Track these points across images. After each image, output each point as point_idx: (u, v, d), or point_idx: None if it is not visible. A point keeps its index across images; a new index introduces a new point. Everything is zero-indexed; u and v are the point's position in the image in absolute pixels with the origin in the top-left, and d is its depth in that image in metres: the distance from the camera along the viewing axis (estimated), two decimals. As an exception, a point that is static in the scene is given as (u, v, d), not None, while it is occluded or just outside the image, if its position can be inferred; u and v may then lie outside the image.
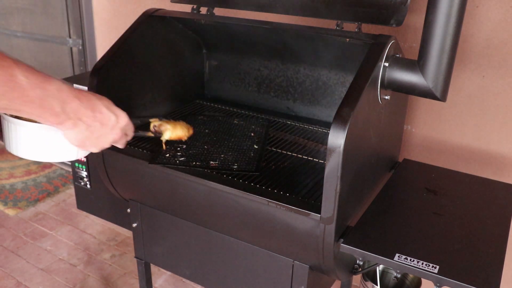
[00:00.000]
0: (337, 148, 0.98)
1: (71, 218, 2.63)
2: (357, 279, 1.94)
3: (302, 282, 1.23)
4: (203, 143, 1.39)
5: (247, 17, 1.44)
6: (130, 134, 1.00)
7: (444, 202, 1.28)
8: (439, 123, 1.67)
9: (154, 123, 1.21)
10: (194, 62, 1.76)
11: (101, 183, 1.54)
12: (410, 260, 1.03)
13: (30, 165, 3.13)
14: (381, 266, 1.47)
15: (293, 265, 1.23)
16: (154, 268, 2.07)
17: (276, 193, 1.15)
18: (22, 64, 0.74)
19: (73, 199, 2.73)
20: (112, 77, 1.39)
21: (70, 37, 2.73)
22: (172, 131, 1.20)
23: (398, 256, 1.04)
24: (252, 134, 1.49)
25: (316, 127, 1.58)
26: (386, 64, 1.14)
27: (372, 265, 1.32)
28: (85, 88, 1.37)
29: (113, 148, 1.36)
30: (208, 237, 1.38)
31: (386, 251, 1.06)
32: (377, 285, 1.40)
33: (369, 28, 1.62)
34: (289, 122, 1.62)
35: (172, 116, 1.62)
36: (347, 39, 1.23)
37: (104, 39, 2.58)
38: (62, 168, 3.12)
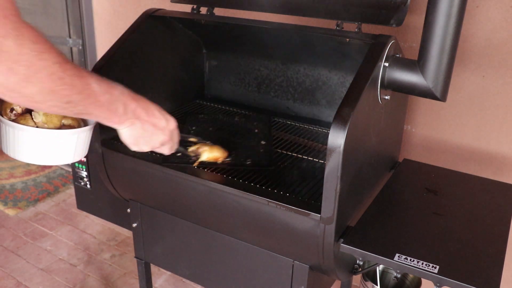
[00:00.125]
0: (337, 148, 0.98)
1: (71, 218, 2.63)
2: (357, 279, 1.94)
3: (302, 282, 1.23)
4: (210, 141, 1.40)
5: (247, 17, 1.44)
6: (176, 141, 1.07)
7: (444, 202, 1.28)
8: (439, 123, 1.67)
9: (195, 147, 1.28)
10: (194, 62, 1.76)
11: (101, 183, 1.54)
12: (410, 260, 1.03)
13: (30, 165, 3.13)
14: (381, 266, 1.47)
15: (293, 265, 1.23)
16: (154, 268, 2.07)
17: (276, 193, 1.15)
18: (93, 74, 0.83)
19: (73, 199, 2.73)
20: (112, 77, 1.38)
21: (70, 37, 2.73)
22: (210, 153, 1.27)
23: (398, 256, 1.04)
24: (256, 130, 1.51)
25: (316, 127, 1.58)
26: (386, 64, 1.14)
27: (372, 265, 1.32)
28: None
29: (113, 148, 1.37)
30: (208, 237, 1.38)
31: (386, 251, 1.06)
32: (377, 285, 1.40)
33: (369, 28, 1.62)
34: (289, 122, 1.62)
35: (172, 116, 1.62)
36: (347, 39, 1.22)
37: (104, 39, 2.58)
38: (62, 168, 3.12)
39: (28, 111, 0.95)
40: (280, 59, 1.63)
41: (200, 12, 1.51)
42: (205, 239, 1.39)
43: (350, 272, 1.31)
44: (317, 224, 1.07)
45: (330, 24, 1.37)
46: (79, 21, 2.61)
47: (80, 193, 1.85)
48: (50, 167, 3.12)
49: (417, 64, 1.12)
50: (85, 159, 1.71)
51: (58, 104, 0.77)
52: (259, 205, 1.15)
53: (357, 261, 1.23)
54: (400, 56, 1.20)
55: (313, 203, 1.10)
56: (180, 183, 1.29)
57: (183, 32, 1.65)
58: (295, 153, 1.39)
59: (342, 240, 1.10)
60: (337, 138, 0.98)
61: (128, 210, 1.53)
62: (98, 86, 0.83)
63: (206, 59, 1.78)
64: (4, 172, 3.04)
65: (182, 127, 1.47)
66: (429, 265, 1.01)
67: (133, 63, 1.47)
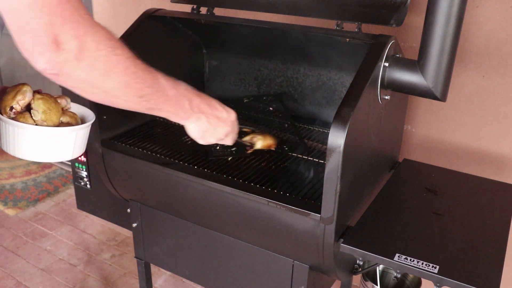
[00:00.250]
0: (337, 148, 0.98)
1: (71, 218, 2.63)
2: (357, 279, 1.94)
3: (302, 282, 1.23)
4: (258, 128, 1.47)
5: (247, 17, 1.44)
6: (236, 131, 1.11)
7: (444, 202, 1.28)
8: (439, 123, 1.67)
9: (248, 137, 1.34)
10: (194, 62, 1.76)
11: (101, 183, 1.54)
12: (410, 260, 1.03)
13: (30, 165, 3.13)
14: (381, 266, 1.47)
15: (293, 265, 1.23)
16: (154, 268, 2.07)
17: (276, 193, 1.15)
18: (158, 71, 0.86)
19: (73, 199, 2.73)
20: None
21: (70, 37, 2.72)
22: (263, 141, 1.32)
23: (398, 256, 1.04)
24: (271, 108, 1.54)
25: (316, 127, 1.58)
26: (386, 64, 1.14)
27: (372, 265, 1.32)
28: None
29: (113, 148, 1.37)
30: (208, 237, 1.38)
31: (386, 251, 1.06)
32: (377, 285, 1.40)
33: (369, 28, 1.62)
34: (289, 122, 1.62)
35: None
36: (347, 39, 1.22)
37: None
38: (62, 168, 3.12)
39: (27, 110, 0.96)
40: (280, 59, 1.63)
41: (200, 12, 1.51)
42: (205, 239, 1.39)
43: (350, 272, 1.31)
44: (317, 224, 1.07)
45: (330, 24, 1.37)
46: (79, 21, 2.60)
47: (80, 193, 1.86)
48: (50, 166, 3.12)
49: (417, 64, 1.12)
50: (85, 159, 1.71)
51: (133, 99, 0.82)
52: (259, 205, 1.15)
53: (357, 261, 1.23)
54: (400, 56, 1.20)
55: (313, 203, 1.10)
56: (180, 183, 1.29)
57: (183, 32, 1.65)
58: (295, 153, 1.39)
59: (342, 240, 1.10)
60: (337, 138, 0.98)
61: (128, 210, 1.53)
62: (165, 81, 0.87)
63: (206, 59, 1.78)
64: (4, 172, 3.04)
65: None
66: (429, 265, 1.01)
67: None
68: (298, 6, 1.35)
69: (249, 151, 1.31)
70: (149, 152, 1.35)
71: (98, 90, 0.76)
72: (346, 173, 1.03)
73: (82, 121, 1.06)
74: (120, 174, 1.44)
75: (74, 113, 1.04)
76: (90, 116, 1.08)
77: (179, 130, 1.53)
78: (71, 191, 2.87)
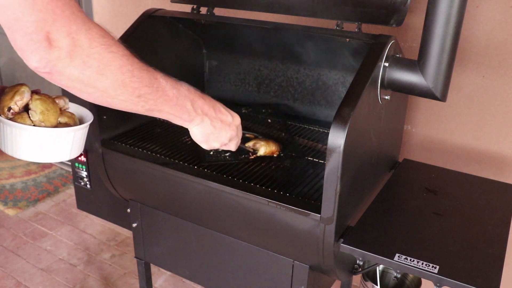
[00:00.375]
0: (337, 148, 0.98)
1: (71, 218, 2.63)
2: (357, 279, 1.94)
3: (302, 282, 1.23)
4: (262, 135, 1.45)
5: (247, 17, 1.44)
6: (240, 136, 1.09)
7: (444, 202, 1.28)
8: (439, 123, 1.67)
9: (250, 143, 1.33)
10: (194, 62, 1.76)
11: (101, 183, 1.54)
12: (410, 260, 1.03)
13: (30, 165, 3.13)
14: (381, 266, 1.47)
15: (293, 265, 1.23)
16: (154, 268, 2.07)
17: (276, 193, 1.15)
18: (157, 70, 0.84)
19: (73, 199, 2.73)
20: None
21: (70, 37, 2.73)
22: (267, 147, 1.31)
23: (398, 256, 1.04)
24: (269, 120, 1.55)
25: (316, 127, 1.58)
26: (386, 64, 1.14)
27: (372, 265, 1.32)
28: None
29: (113, 148, 1.37)
30: (208, 237, 1.38)
31: (386, 251, 1.06)
32: (377, 285, 1.40)
33: (369, 28, 1.62)
34: (289, 122, 1.62)
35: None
36: (347, 39, 1.22)
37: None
38: (62, 168, 3.12)
39: (25, 110, 0.96)
40: (280, 59, 1.63)
41: (200, 12, 1.51)
42: (205, 239, 1.39)
43: (350, 272, 1.31)
44: (317, 224, 1.07)
45: (330, 24, 1.37)
46: (79, 21, 2.61)
47: (80, 193, 1.86)
48: (50, 167, 3.12)
49: (417, 64, 1.12)
50: (85, 159, 1.71)
51: (130, 99, 0.79)
52: (259, 205, 1.15)
53: (357, 261, 1.23)
54: (400, 56, 1.20)
55: (313, 203, 1.10)
56: (180, 183, 1.29)
57: (183, 32, 1.65)
58: (295, 151, 1.39)
59: (342, 240, 1.10)
60: (337, 138, 0.98)
61: (128, 210, 1.53)
62: (165, 81, 0.84)
63: (206, 59, 1.78)
64: (4, 172, 3.04)
65: None
66: (429, 265, 1.01)
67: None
68: (298, 6, 1.35)
69: (252, 157, 1.30)
70: (149, 152, 1.35)
71: (93, 90, 0.74)
72: (346, 173, 1.03)
73: (81, 121, 1.06)
74: (120, 174, 1.44)
75: (72, 114, 1.04)
76: (89, 116, 1.08)
77: (179, 130, 1.53)
78: (71, 191, 2.87)
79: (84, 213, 2.45)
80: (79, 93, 0.74)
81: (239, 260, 1.35)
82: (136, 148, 1.37)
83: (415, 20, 1.57)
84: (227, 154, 1.31)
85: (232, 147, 1.08)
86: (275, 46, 1.56)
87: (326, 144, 1.01)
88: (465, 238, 1.13)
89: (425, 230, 1.15)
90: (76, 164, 1.87)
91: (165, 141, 1.43)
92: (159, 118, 1.59)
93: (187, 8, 1.53)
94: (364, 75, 1.07)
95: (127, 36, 1.42)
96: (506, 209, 1.26)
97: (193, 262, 1.47)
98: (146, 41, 1.49)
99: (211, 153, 1.32)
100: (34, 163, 3.14)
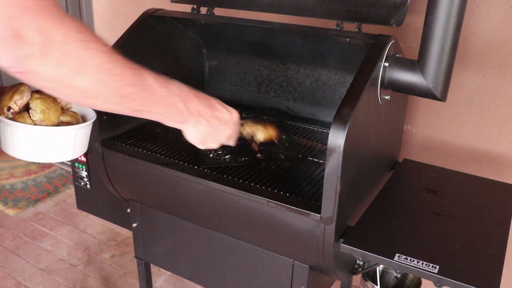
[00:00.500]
0: (337, 148, 0.98)
1: (71, 218, 2.63)
2: (357, 279, 1.94)
3: (302, 282, 1.23)
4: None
5: (247, 17, 1.44)
6: (238, 131, 1.03)
7: (444, 202, 1.28)
8: (439, 123, 1.67)
9: (248, 128, 1.24)
10: (194, 62, 1.76)
11: (101, 183, 1.54)
12: (410, 260, 1.03)
13: (30, 165, 3.13)
14: (381, 266, 1.47)
15: (293, 265, 1.23)
16: (154, 268, 2.07)
17: (276, 193, 1.15)
18: (145, 68, 0.78)
19: (73, 199, 2.73)
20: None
21: (70, 37, 2.73)
22: (265, 132, 1.23)
23: (398, 256, 1.04)
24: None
25: (316, 127, 1.58)
26: (386, 64, 1.14)
27: (372, 265, 1.32)
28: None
29: (113, 148, 1.37)
30: (208, 237, 1.38)
31: (386, 251, 1.06)
32: (377, 285, 1.40)
33: (369, 28, 1.62)
34: (289, 122, 1.62)
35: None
36: (347, 39, 1.22)
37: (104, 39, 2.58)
38: (62, 168, 3.12)
39: (26, 110, 0.95)
40: (280, 59, 1.63)
41: (200, 12, 1.51)
42: (205, 239, 1.39)
43: (350, 272, 1.31)
44: (317, 224, 1.07)
45: (330, 24, 1.37)
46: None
47: (80, 193, 1.85)
48: (50, 166, 3.12)
49: (417, 64, 1.12)
50: (85, 159, 1.71)
51: (113, 99, 0.73)
52: (259, 205, 1.15)
53: (357, 261, 1.23)
54: (400, 56, 1.20)
55: (313, 203, 1.10)
56: (180, 183, 1.29)
57: (183, 32, 1.65)
58: (295, 153, 1.39)
59: (342, 240, 1.10)
60: (337, 138, 0.98)
61: (128, 210, 1.53)
62: (153, 79, 0.78)
63: (206, 59, 1.78)
64: (4, 172, 3.04)
65: None
66: (429, 265, 1.01)
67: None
68: (298, 6, 1.35)
69: (254, 147, 1.22)
70: (149, 152, 1.35)
71: (71, 90, 0.68)
72: (346, 173, 1.03)
73: (84, 120, 1.06)
74: (120, 174, 1.44)
75: (74, 112, 1.03)
76: (91, 114, 1.07)
77: (179, 130, 1.53)
78: (71, 191, 2.87)
79: (84, 213, 2.44)
80: (57, 93, 0.70)
81: (239, 260, 1.35)
82: (136, 148, 1.37)
83: (415, 20, 1.57)
84: (227, 157, 1.31)
85: (231, 143, 1.03)
86: (275, 46, 1.56)
87: (326, 144, 1.01)
88: (465, 238, 1.13)
89: (425, 230, 1.15)
90: (76, 164, 1.87)
91: (165, 141, 1.43)
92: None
93: (187, 8, 1.53)
94: (364, 75, 1.07)
95: (127, 36, 1.42)
96: (506, 209, 1.26)
97: (193, 262, 1.47)
98: (146, 41, 1.49)
99: (211, 155, 1.31)
100: (34, 163, 3.14)
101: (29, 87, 0.96)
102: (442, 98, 1.15)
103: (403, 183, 1.41)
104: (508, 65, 1.49)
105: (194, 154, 1.34)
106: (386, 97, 1.18)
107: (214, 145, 0.97)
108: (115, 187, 1.49)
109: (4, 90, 0.96)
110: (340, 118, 0.99)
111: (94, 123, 1.08)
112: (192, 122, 0.89)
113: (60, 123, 0.98)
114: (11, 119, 0.92)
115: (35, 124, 0.93)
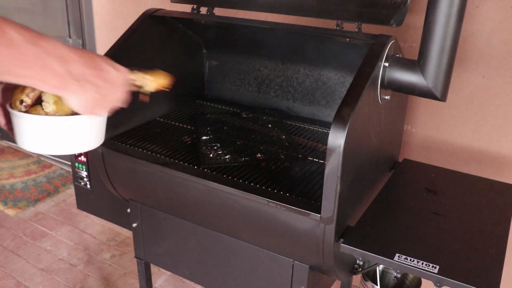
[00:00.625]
0: (337, 148, 0.98)
1: (71, 218, 2.63)
2: (357, 279, 1.94)
3: (302, 282, 1.23)
4: (233, 138, 1.44)
5: (247, 17, 1.44)
6: (129, 91, 0.91)
7: (444, 202, 1.28)
8: (439, 123, 1.67)
9: (136, 79, 1.04)
10: (194, 62, 1.76)
11: (101, 183, 1.54)
12: (410, 260, 1.03)
13: (30, 165, 3.13)
14: (381, 266, 1.47)
15: (293, 265, 1.23)
16: (154, 268, 2.07)
17: (276, 193, 1.15)
18: (11, 20, 0.64)
19: (73, 199, 2.73)
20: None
21: (70, 37, 2.73)
22: (155, 81, 1.06)
23: (398, 256, 1.04)
24: (270, 125, 1.54)
25: (316, 127, 1.58)
26: (386, 64, 1.14)
27: (372, 265, 1.32)
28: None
29: (113, 148, 1.37)
30: (208, 237, 1.38)
31: (386, 251, 1.06)
32: (377, 285, 1.40)
33: (369, 28, 1.62)
34: (289, 122, 1.62)
35: (173, 116, 1.62)
36: (347, 39, 1.23)
37: (104, 39, 2.58)
38: (62, 168, 3.12)
39: (38, 102, 0.94)
40: (280, 59, 1.63)
41: (200, 12, 1.51)
42: (205, 239, 1.39)
43: (350, 272, 1.30)
44: (317, 224, 1.07)
45: (330, 24, 1.37)
46: (79, 21, 2.61)
47: (80, 193, 1.85)
48: (50, 166, 3.12)
49: (417, 64, 1.12)
50: (85, 159, 1.71)
51: None
52: (259, 205, 1.15)
53: (357, 261, 1.23)
54: (400, 56, 1.20)
55: (313, 203, 1.10)
56: (180, 183, 1.29)
57: (183, 32, 1.65)
58: (295, 153, 1.39)
59: (342, 240, 1.10)
60: (337, 138, 0.98)
61: (128, 210, 1.53)
62: (19, 35, 0.64)
63: (206, 59, 1.78)
64: (4, 172, 3.04)
65: (198, 129, 1.51)
66: (429, 265, 1.01)
67: (133, 63, 1.46)
68: (298, 6, 1.35)
69: (143, 98, 1.07)
70: (149, 152, 1.35)
71: None
72: (346, 173, 1.03)
73: None
74: (120, 174, 1.44)
75: None
76: None
77: (179, 130, 1.53)
78: (71, 191, 2.87)
79: (84, 213, 2.44)
80: None
81: (239, 260, 1.35)
82: (136, 148, 1.37)
83: (415, 20, 1.57)
84: (227, 157, 1.31)
85: (123, 106, 0.90)
86: (275, 46, 1.56)
87: (326, 144, 1.01)
88: (465, 238, 1.13)
89: (425, 230, 1.15)
90: (76, 164, 1.87)
91: (165, 141, 1.43)
92: (159, 118, 1.60)
93: (187, 8, 1.53)
94: (364, 75, 1.07)
95: (127, 36, 1.42)
96: (506, 209, 1.26)
97: (193, 262, 1.47)
98: (146, 41, 1.49)
99: (211, 155, 1.32)
100: (34, 163, 3.14)
101: None
102: (442, 98, 1.15)
103: (403, 183, 1.41)
104: (508, 65, 1.49)
105: (194, 154, 1.34)
106: (386, 97, 1.18)
107: (103, 112, 0.85)
108: (115, 187, 1.49)
109: (14, 84, 0.94)
110: (340, 118, 0.99)
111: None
112: (74, 87, 0.74)
113: (74, 113, 0.96)
114: (24, 112, 0.91)
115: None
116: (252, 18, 1.43)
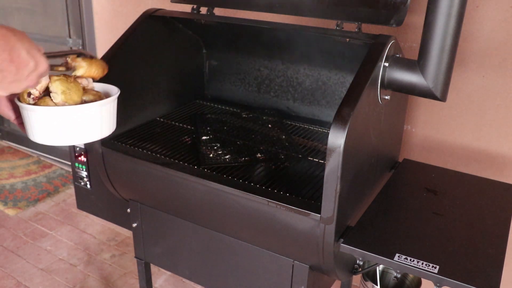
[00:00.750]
0: (337, 148, 0.98)
1: (71, 218, 2.63)
2: (357, 279, 1.94)
3: (302, 282, 1.23)
4: (233, 138, 1.44)
5: (247, 17, 1.44)
6: (45, 80, 0.89)
7: (444, 202, 1.28)
8: (439, 123, 1.67)
9: (69, 57, 1.01)
10: (194, 62, 1.76)
11: (101, 183, 1.54)
12: (410, 260, 1.03)
13: (30, 165, 3.13)
14: (381, 266, 1.47)
15: (293, 265, 1.23)
16: (154, 268, 2.07)
17: (276, 193, 1.15)
18: None
19: (73, 199, 2.73)
20: (112, 78, 1.39)
21: (70, 37, 2.73)
22: (87, 69, 1.00)
23: (398, 256, 1.04)
24: (270, 125, 1.54)
25: (316, 127, 1.58)
26: (386, 64, 1.14)
27: (372, 265, 1.32)
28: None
29: (113, 148, 1.37)
30: (208, 237, 1.38)
31: (386, 251, 1.06)
32: (377, 285, 1.40)
33: (369, 28, 1.62)
34: (289, 122, 1.62)
35: (173, 116, 1.62)
36: (347, 39, 1.22)
37: (104, 39, 2.58)
38: (62, 168, 3.12)
39: (46, 94, 0.93)
40: (280, 59, 1.63)
41: (200, 12, 1.51)
42: (205, 239, 1.39)
43: (350, 272, 1.30)
44: (317, 224, 1.07)
45: (330, 24, 1.37)
46: (79, 21, 2.61)
47: (80, 193, 1.85)
48: (50, 166, 3.12)
49: (417, 64, 1.12)
50: (85, 159, 1.71)
51: None
52: (259, 205, 1.15)
53: (357, 261, 1.23)
54: (400, 56, 1.20)
55: (313, 203, 1.10)
56: (180, 183, 1.29)
57: (183, 32, 1.65)
58: (295, 153, 1.39)
59: (342, 240, 1.10)
60: (337, 138, 0.98)
61: (128, 210, 1.53)
62: None
63: (206, 59, 1.78)
64: (4, 172, 3.04)
65: (198, 129, 1.51)
66: (429, 265, 1.01)
67: (133, 63, 1.47)
68: (298, 6, 1.35)
69: (74, 78, 0.99)
70: (149, 152, 1.35)
71: None
72: (346, 173, 1.03)
73: (107, 97, 1.01)
74: (120, 174, 1.44)
75: (97, 91, 0.99)
76: (114, 91, 1.02)
77: (179, 130, 1.53)
78: (71, 191, 2.87)
79: (84, 213, 2.44)
80: None
81: (239, 260, 1.35)
82: (136, 148, 1.37)
83: (415, 20, 1.57)
84: (227, 157, 1.31)
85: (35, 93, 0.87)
86: (275, 46, 1.56)
87: (326, 144, 1.01)
88: (465, 238, 1.13)
89: (425, 230, 1.15)
90: (76, 164, 1.87)
91: (165, 141, 1.43)
92: (159, 118, 1.60)
93: (187, 8, 1.53)
94: (364, 75, 1.07)
95: (127, 36, 1.42)
96: (506, 209, 1.26)
97: (193, 262, 1.47)
98: (146, 41, 1.49)
99: (211, 155, 1.32)
100: (34, 163, 3.14)
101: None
102: (442, 98, 1.15)
103: (403, 183, 1.41)
104: (508, 65, 1.49)
105: (194, 154, 1.34)
106: (386, 97, 1.18)
107: (3, 93, 0.78)
108: (115, 187, 1.49)
109: None
110: (340, 118, 0.99)
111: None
112: None
113: (83, 103, 0.95)
114: (33, 105, 0.90)
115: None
116: (252, 18, 1.43)
